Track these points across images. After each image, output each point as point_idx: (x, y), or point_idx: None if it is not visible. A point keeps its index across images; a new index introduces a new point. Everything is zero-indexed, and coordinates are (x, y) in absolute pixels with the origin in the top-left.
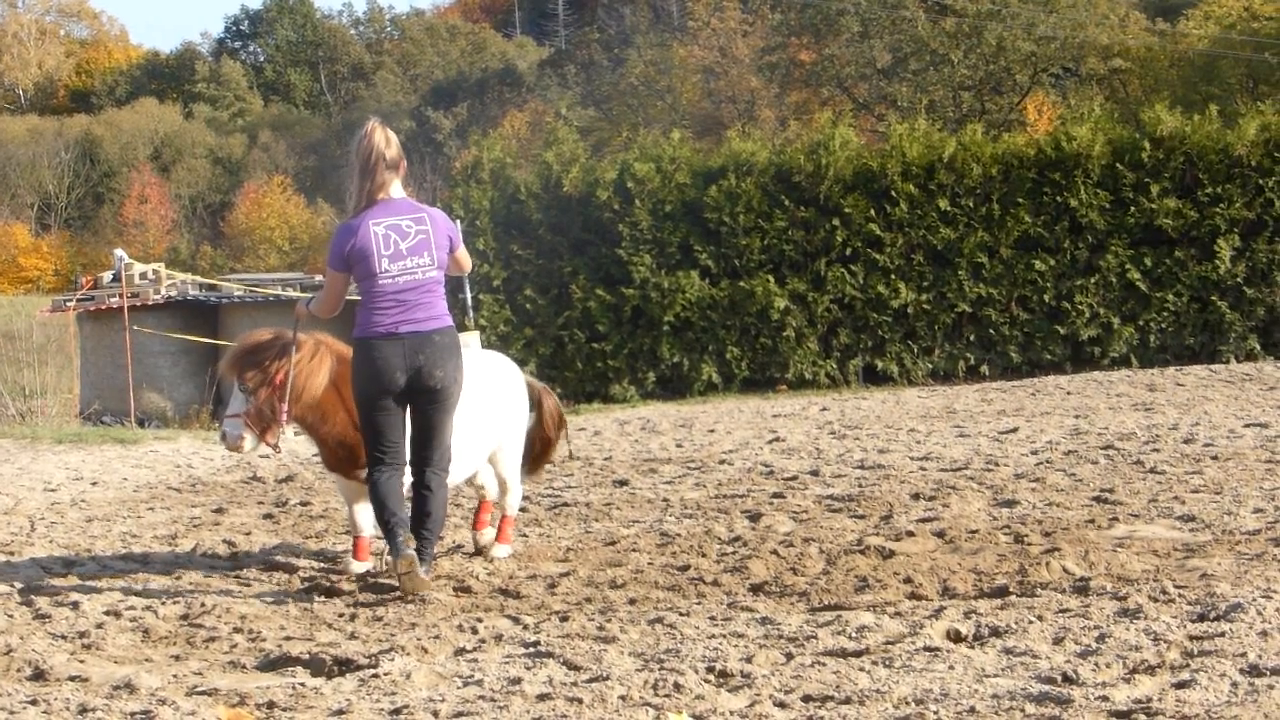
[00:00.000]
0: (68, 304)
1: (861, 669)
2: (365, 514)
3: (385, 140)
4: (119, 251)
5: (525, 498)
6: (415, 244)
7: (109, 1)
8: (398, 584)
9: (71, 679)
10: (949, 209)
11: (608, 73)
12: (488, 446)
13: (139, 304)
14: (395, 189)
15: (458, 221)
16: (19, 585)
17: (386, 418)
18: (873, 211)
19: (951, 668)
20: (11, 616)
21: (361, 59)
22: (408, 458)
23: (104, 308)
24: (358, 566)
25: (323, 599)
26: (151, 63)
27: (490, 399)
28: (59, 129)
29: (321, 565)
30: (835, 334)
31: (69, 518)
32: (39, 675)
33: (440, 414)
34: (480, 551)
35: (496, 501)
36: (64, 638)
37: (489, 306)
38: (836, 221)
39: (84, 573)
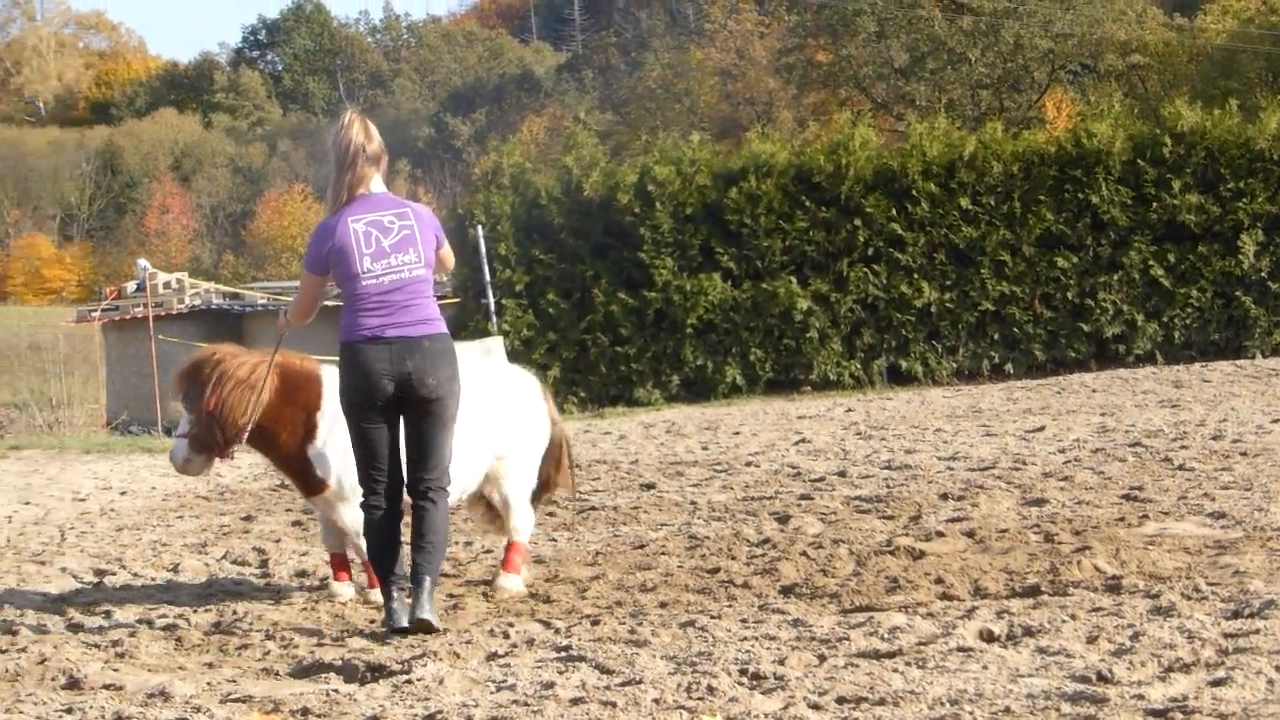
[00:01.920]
0: (92, 314)
1: (895, 670)
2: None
3: (365, 132)
4: (143, 261)
5: (552, 501)
6: (399, 240)
7: (127, 13)
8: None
9: (106, 687)
10: (970, 207)
11: (625, 76)
12: (482, 462)
13: (163, 313)
14: (376, 184)
15: (479, 227)
16: (51, 594)
17: (376, 432)
18: (894, 211)
19: (985, 668)
20: (44, 625)
21: (379, 66)
22: (405, 480)
23: (128, 318)
24: (342, 590)
25: (354, 605)
26: (170, 73)
27: (490, 409)
28: (80, 140)
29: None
30: (859, 334)
31: (99, 527)
32: (73, 684)
33: (435, 428)
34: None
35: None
36: (97, 646)
37: (512, 311)
38: (858, 221)
39: (115, 581)
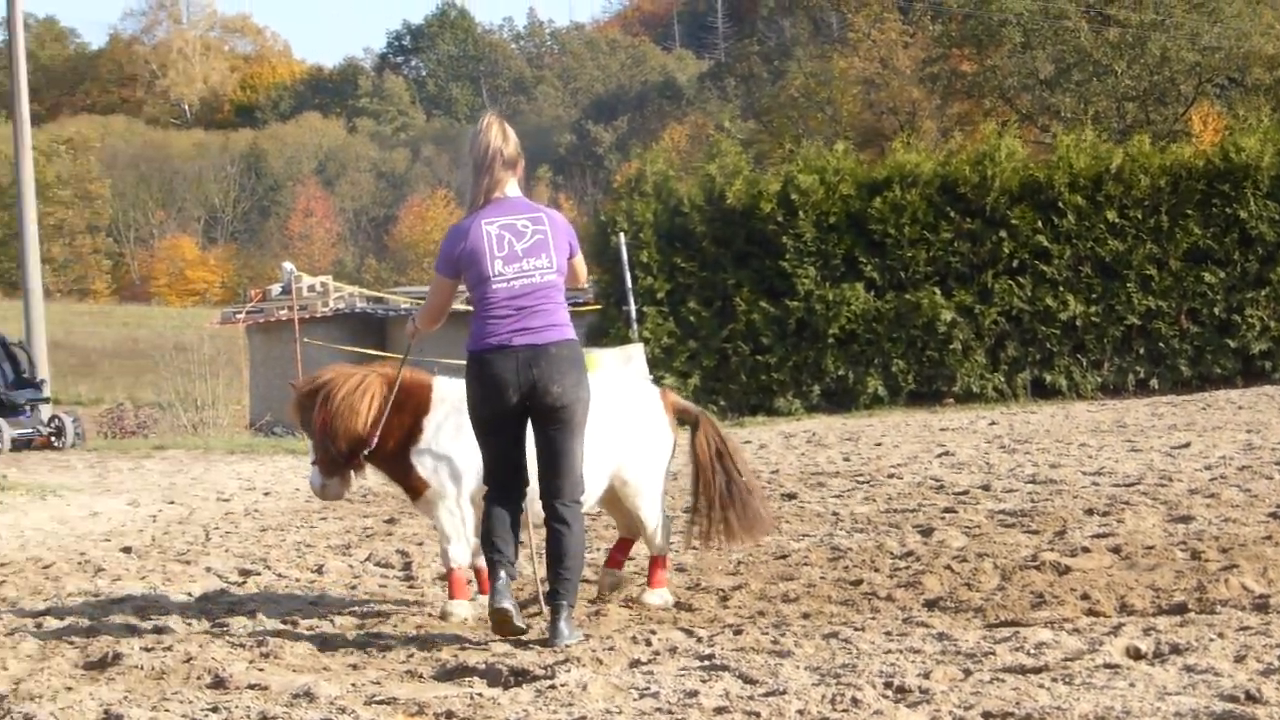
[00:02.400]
0: (237, 316)
1: (1041, 686)
2: (458, 547)
3: (502, 136)
4: (288, 265)
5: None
6: (532, 245)
7: (273, 17)
8: (491, 627)
9: (251, 687)
10: (1117, 221)
11: (767, 85)
12: (603, 474)
13: (307, 316)
14: (511, 188)
15: (621, 234)
16: (196, 594)
17: (503, 442)
18: (1040, 223)
19: (1132, 685)
20: (190, 624)
21: (522, 72)
22: (532, 483)
23: (273, 320)
24: (457, 609)
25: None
26: (315, 78)
27: (608, 418)
28: (224, 143)
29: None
30: (1003, 347)
31: (243, 527)
32: (219, 683)
33: (564, 435)
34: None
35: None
36: (242, 646)
37: (653, 319)
38: (1003, 233)
39: (260, 582)
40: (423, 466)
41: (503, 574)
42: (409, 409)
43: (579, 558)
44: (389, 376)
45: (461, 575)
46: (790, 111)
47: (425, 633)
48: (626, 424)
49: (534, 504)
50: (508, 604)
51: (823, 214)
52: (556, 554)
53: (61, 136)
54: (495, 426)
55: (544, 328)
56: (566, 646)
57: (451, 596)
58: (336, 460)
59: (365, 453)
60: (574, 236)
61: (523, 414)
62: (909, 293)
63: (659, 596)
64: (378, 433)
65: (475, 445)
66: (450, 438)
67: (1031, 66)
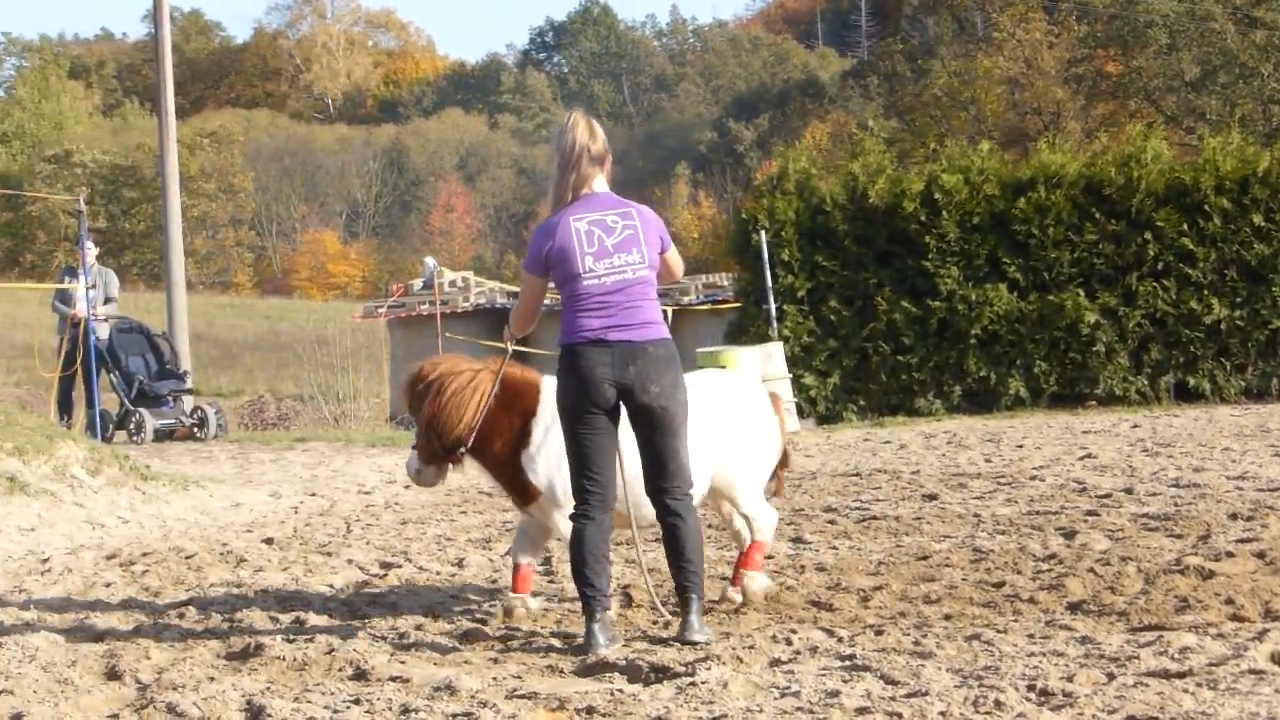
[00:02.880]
0: (379, 310)
1: (1185, 691)
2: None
3: (589, 132)
4: (430, 260)
5: (833, 509)
6: (622, 240)
7: (416, 12)
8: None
9: (392, 679)
10: (1264, 224)
11: (910, 83)
12: (707, 472)
13: (448, 311)
14: (599, 184)
15: (763, 232)
16: (338, 586)
17: (593, 439)
18: (1185, 226)
19: (1277, 691)
20: (331, 616)
21: (664, 70)
22: (618, 495)
23: (414, 314)
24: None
25: (637, 606)
26: (457, 73)
27: (710, 419)
28: (367, 138)
29: (635, 572)
30: (1146, 349)
31: (384, 520)
32: (360, 675)
33: (665, 437)
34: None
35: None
36: (384, 638)
37: (793, 318)
38: (1148, 235)
39: (401, 574)
40: (534, 472)
41: (599, 614)
42: (517, 409)
43: (699, 549)
44: (498, 373)
45: None
46: (933, 111)
47: (565, 628)
48: (732, 422)
49: (639, 508)
50: (605, 651)
51: (966, 214)
52: (676, 549)
53: (205, 130)
54: (587, 420)
55: (640, 325)
56: (697, 639)
57: (517, 589)
58: (432, 452)
59: (462, 450)
60: (665, 231)
61: (613, 413)
62: (1052, 294)
63: (757, 580)
64: (475, 430)
65: None
66: (561, 440)
67: (1177, 68)
